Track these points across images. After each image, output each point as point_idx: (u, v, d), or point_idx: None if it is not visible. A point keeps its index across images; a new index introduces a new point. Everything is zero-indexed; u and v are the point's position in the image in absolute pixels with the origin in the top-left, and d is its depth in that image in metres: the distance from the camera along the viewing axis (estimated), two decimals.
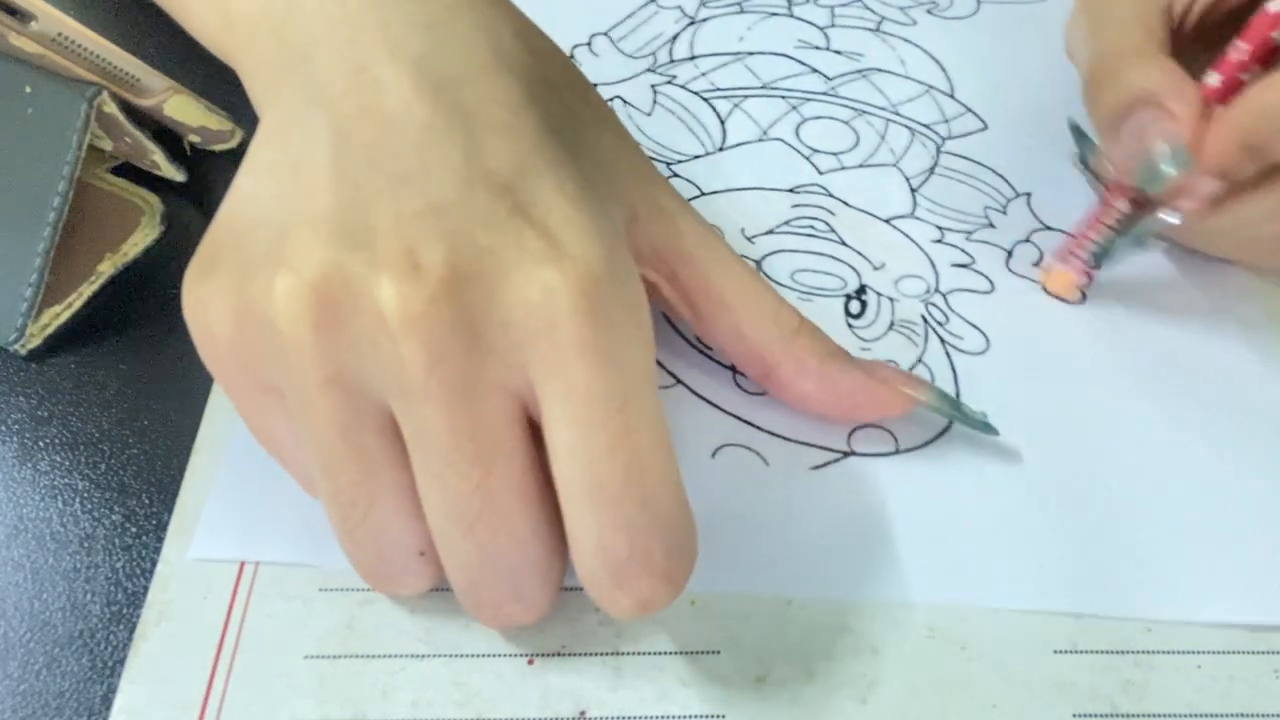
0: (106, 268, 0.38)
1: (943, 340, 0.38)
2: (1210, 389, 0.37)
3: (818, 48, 0.49)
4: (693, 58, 0.48)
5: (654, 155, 0.44)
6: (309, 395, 0.26)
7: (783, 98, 0.47)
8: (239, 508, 0.32)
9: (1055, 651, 0.30)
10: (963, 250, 0.41)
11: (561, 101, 0.30)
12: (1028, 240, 0.41)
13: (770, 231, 0.41)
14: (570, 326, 0.25)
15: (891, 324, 0.38)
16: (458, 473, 0.26)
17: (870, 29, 0.51)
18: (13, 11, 0.36)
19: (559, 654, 0.30)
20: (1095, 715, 0.29)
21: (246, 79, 0.31)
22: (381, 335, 0.25)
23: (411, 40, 0.27)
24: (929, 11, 0.52)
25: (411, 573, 0.29)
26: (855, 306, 0.39)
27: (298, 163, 0.27)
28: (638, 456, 0.26)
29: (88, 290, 0.37)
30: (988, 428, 0.34)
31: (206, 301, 0.27)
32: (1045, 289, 0.40)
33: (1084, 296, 0.39)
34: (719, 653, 0.30)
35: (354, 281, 0.25)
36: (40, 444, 0.34)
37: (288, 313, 0.25)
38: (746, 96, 0.47)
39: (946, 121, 0.46)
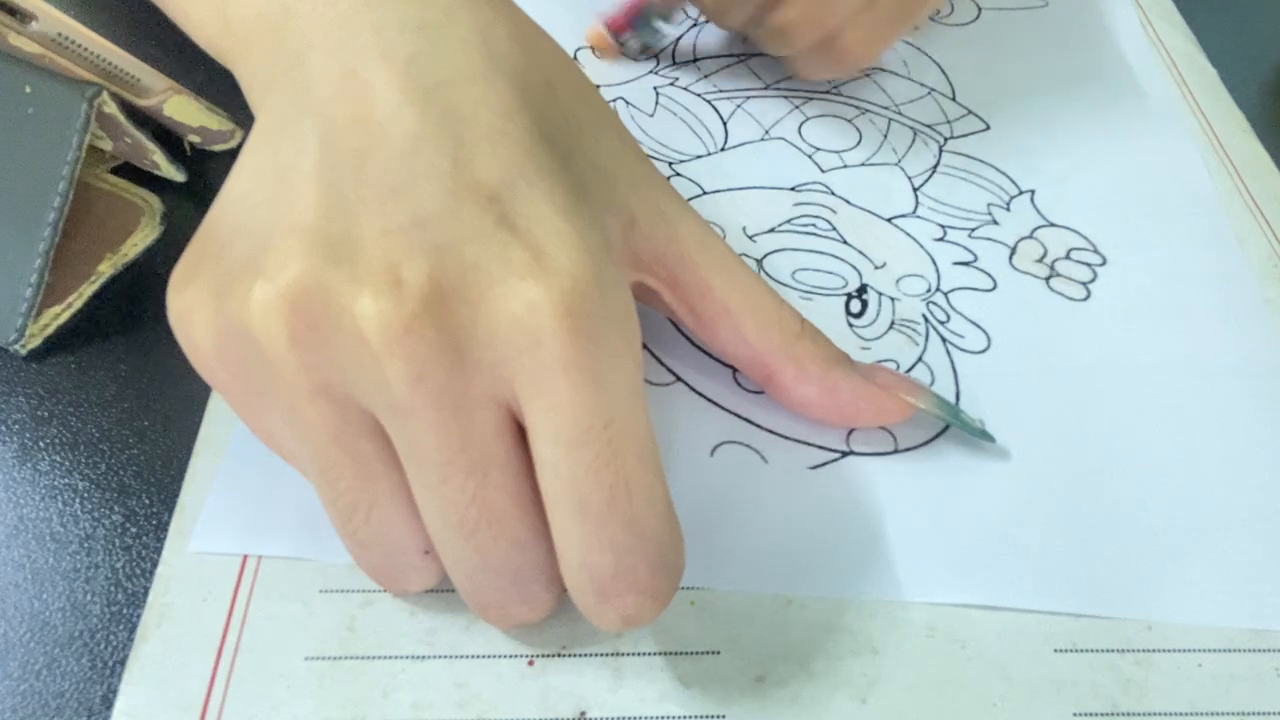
0: (106, 268, 0.38)
1: (944, 339, 0.38)
2: (1212, 388, 0.37)
3: None
4: (695, 60, 0.48)
5: (656, 155, 0.44)
6: (297, 405, 0.26)
7: (785, 97, 0.47)
8: (240, 502, 0.32)
9: (1056, 650, 0.30)
10: (965, 248, 0.41)
11: (559, 104, 0.29)
12: (1031, 236, 0.41)
13: (772, 230, 0.41)
14: (554, 343, 0.24)
15: (892, 323, 0.38)
16: (452, 485, 0.26)
17: None
18: (13, 11, 0.36)
19: (559, 654, 0.30)
20: (1096, 714, 0.29)
21: (243, 83, 0.31)
22: (364, 352, 0.25)
23: (404, 43, 0.27)
24: (931, 18, 0.52)
25: (418, 570, 0.29)
26: (856, 306, 0.38)
27: (284, 170, 0.27)
28: (623, 476, 0.25)
29: (88, 290, 0.37)
30: (985, 435, 0.34)
31: (188, 311, 0.27)
32: (591, 50, 0.49)
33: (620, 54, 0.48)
34: (719, 653, 0.30)
35: (334, 296, 0.25)
36: (40, 444, 0.34)
37: (263, 324, 0.25)
38: (749, 97, 0.47)
39: (949, 122, 0.46)
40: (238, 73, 0.31)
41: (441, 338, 0.25)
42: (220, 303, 0.26)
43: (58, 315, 0.37)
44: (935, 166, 0.44)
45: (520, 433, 0.26)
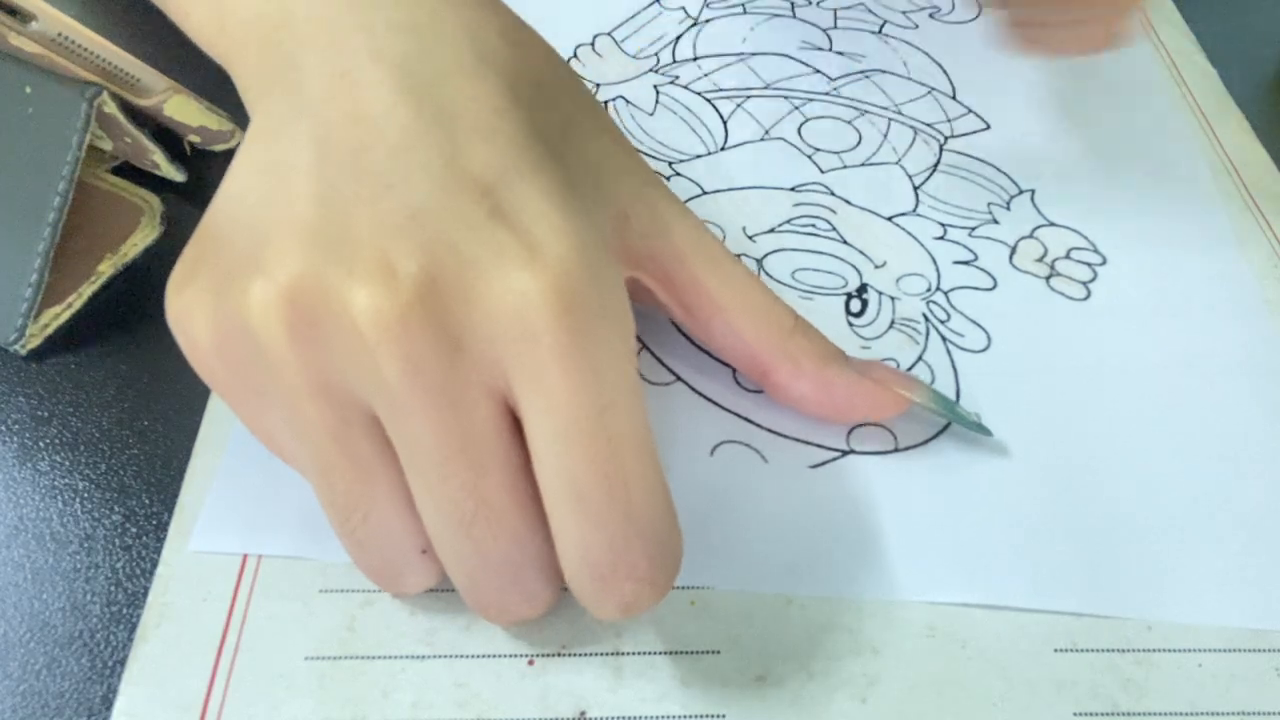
0: (106, 268, 0.38)
1: (944, 338, 0.38)
2: (1212, 387, 0.37)
3: (820, 49, 0.49)
4: (695, 58, 0.48)
5: (655, 155, 0.44)
6: (296, 403, 0.26)
7: (785, 98, 0.47)
8: (240, 501, 0.32)
9: (1056, 650, 0.30)
10: (965, 247, 0.41)
11: (550, 101, 0.30)
12: (1031, 236, 0.41)
13: (771, 230, 0.41)
14: (548, 333, 0.25)
15: (892, 322, 0.38)
16: (450, 480, 0.26)
17: (872, 31, 0.51)
18: (13, 11, 0.36)
19: (559, 654, 0.30)
20: (1096, 714, 0.29)
21: (240, 84, 0.31)
22: (359, 346, 0.25)
23: (395, 43, 0.27)
24: (931, 16, 0.52)
25: (416, 571, 0.29)
26: (856, 305, 0.38)
27: (281, 168, 0.27)
28: (620, 466, 0.25)
29: (88, 290, 0.37)
30: (981, 429, 0.34)
31: (187, 310, 0.27)
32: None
33: None
34: (719, 653, 0.30)
35: (330, 291, 0.25)
36: (40, 444, 0.34)
37: (263, 321, 0.25)
38: (749, 97, 0.47)
39: (949, 121, 0.46)
40: (234, 73, 0.31)
41: (436, 330, 0.25)
42: (219, 301, 0.26)
43: (58, 315, 0.37)
44: (936, 165, 0.44)
45: (517, 427, 0.26)
